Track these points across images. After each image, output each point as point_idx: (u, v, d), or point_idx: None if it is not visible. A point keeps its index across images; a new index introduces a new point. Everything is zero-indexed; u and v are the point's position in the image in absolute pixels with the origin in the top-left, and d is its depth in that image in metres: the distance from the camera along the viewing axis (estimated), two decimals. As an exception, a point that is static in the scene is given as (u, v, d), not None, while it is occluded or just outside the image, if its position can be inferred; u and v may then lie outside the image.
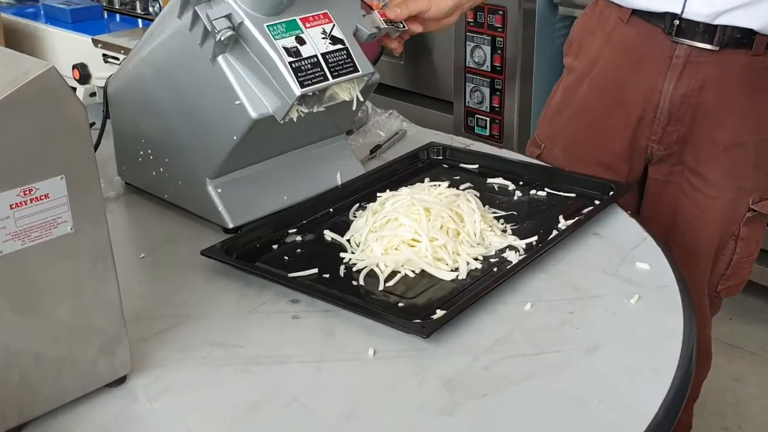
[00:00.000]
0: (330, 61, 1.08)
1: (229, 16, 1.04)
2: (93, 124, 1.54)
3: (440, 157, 1.37)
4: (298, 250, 1.10)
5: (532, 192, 1.24)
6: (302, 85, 1.04)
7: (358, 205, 1.20)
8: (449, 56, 2.42)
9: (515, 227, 1.13)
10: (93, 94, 1.58)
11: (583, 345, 0.89)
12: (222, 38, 1.03)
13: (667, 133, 1.38)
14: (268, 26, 1.05)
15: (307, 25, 1.08)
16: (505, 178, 1.28)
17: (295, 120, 1.08)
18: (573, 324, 0.93)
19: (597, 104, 1.43)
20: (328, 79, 1.07)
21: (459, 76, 2.41)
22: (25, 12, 1.76)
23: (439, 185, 1.14)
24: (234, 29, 1.04)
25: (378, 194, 1.15)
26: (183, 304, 0.99)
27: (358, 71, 1.10)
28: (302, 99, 1.09)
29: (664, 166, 1.42)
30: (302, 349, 0.90)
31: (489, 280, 1.00)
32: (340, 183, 1.25)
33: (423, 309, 0.96)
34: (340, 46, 1.09)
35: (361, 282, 1.01)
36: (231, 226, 1.14)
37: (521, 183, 1.27)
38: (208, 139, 1.12)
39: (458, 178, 1.30)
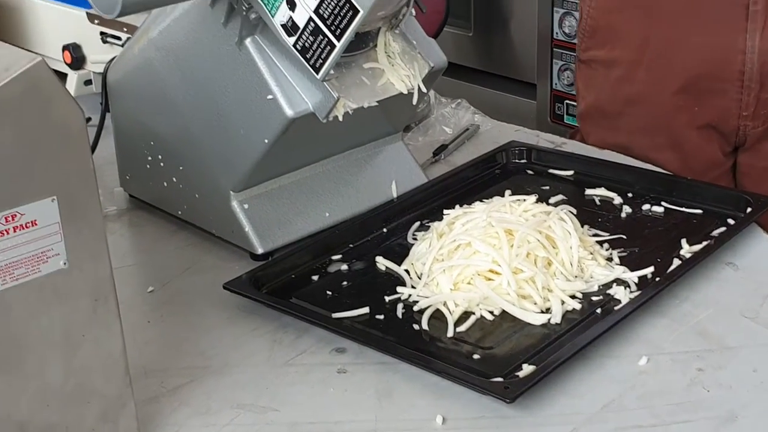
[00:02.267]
0: (326, 15, 0.99)
1: (255, -12, 1.03)
2: (89, 120, 1.55)
3: (523, 161, 1.35)
4: (344, 283, 1.08)
5: (645, 207, 1.21)
6: (316, 69, 1.02)
7: (419, 224, 1.18)
8: (531, 25, 2.39)
9: (624, 254, 1.10)
10: (88, 82, 1.59)
11: (717, 413, 0.86)
12: (252, 17, 1.02)
13: (762, 103, 1.35)
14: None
15: None
16: (609, 189, 1.25)
17: (340, 118, 1.07)
18: (703, 385, 0.89)
19: (662, 96, 1.41)
20: (334, 46, 1.01)
21: (544, 52, 2.37)
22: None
23: (525, 200, 1.12)
24: (265, 5, 1.03)
25: (445, 211, 1.13)
26: (202, 352, 0.99)
27: (358, 12, 0.98)
28: (348, 92, 1.07)
29: (761, 147, 1.39)
30: (352, 414, 0.89)
31: (591, 326, 0.97)
32: (395, 195, 1.23)
33: (505, 363, 0.93)
34: None
35: (425, 326, 0.99)
36: (260, 251, 1.13)
37: (630, 195, 1.23)
38: (232, 143, 1.11)
39: (547, 188, 1.27)
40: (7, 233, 0.72)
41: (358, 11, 0.99)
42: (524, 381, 0.87)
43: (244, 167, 1.12)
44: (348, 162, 1.22)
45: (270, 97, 1.06)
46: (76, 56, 1.57)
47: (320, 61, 1.01)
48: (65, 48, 1.57)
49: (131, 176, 1.28)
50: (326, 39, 1.01)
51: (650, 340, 0.96)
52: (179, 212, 1.22)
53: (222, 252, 1.17)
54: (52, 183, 0.74)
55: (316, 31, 1.00)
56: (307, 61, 1.02)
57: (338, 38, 1.00)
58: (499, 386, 0.87)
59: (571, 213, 1.13)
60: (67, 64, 1.58)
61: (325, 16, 1.00)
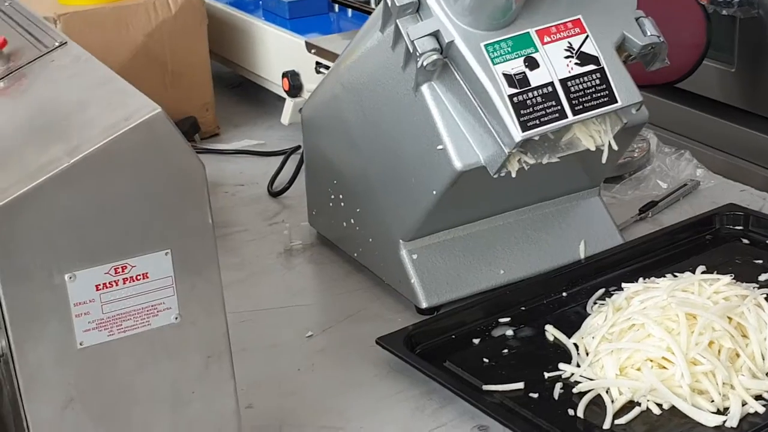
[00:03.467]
0: (573, 89, 0.97)
1: (436, 34, 0.97)
2: (298, 147, 1.56)
3: (739, 227, 1.20)
4: (505, 351, 1.01)
5: None
6: (525, 127, 0.95)
7: (603, 291, 1.08)
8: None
9: (832, 352, 0.95)
10: (303, 110, 1.60)
11: None
12: (425, 63, 0.97)
13: None
14: (486, 45, 0.97)
15: (547, 39, 0.98)
16: (832, 270, 1.09)
17: (513, 174, 0.99)
18: None
19: None
20: (566, 116, 0.97)
21: (811, 93, 2.16)
22: (242, 2, 1.82)
23: (719, 279, 0.99)
24: (442, 52, 0.97)
25: (623, 284, 1.02)
26: (341, 412, 0.95)
27: (617, 102, 0.98)
28: (527, 146, 1.00)
29: None
30: (477, 505, 0.81)
31: (773, 435, 0.84)
32: (583, 257, 1.14)
33: (662, 469, 0.82)
34: (591, 67, 0.98)
35: (581, 413, 0.90)
36: (425, 305, 1.08)
37: None
38: (404, 191, 1.07)
39: (760, 263, 1.13)
40: (116, 284, 0.71)
41: (616, 101, 0.98)
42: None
43: (413, 217, 1.07)
44: (533, 216, 1.14)
45: (440, 147, 1.00)
46: (293, 84, 1.58)
47: (535, 122, 0.96)
48: (284, 75, 1.59)
49: (317, 212, 1.27)
50: (559, 108, 0.97)
51: (840, 464, 0.81)
52: (355, 254, 1.19)
53: (389, 301, 1.13)
54: (166, 236, 0.72)
55: (551, 97, 0.97)
56: (518, 116, 0.95)
57: (575, 113, 0.98)
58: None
59: (776, 297, 0.99)
60: (285, 90, 1.60)
61: (572, 90, 0.97)
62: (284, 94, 1.62)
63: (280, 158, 1.50)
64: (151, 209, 0.71)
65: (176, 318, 0.74)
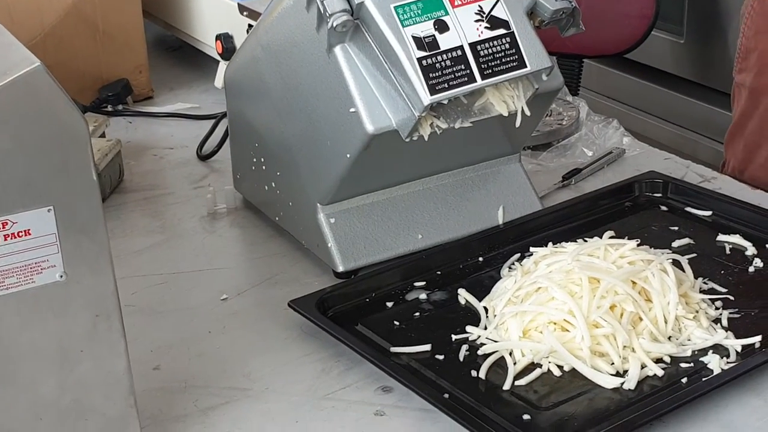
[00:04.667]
0: (483, 53, 0.97)
1: (347, -6, 0.96)
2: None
3: (658, 195, 1.20)
4: (417, 314, 1.00)
5: (780, 262, 1.05)
6: (434, 91, 0.95)
7: (519, 255, 1.08)
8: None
9: (736, 316, 0.95)
10: (238, 74, 1.58)
11: None
12: (335, 24, 0.96)
13: None
14: (396, 7, 0.96)
15: (458, 2, 0.98)
16: (746, 237, 1.09)
17: (426, 139, 0.98)
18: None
19: None
20: (475, 80, 0.96)
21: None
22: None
23: (625, 244, 0.99)
24: (352, 13, 0.96)
25: (532, 249, 1.02)
26: (247, 374, 0.94)
27: (526, 67, 0.98)
28: (439, 110, 0.99)
29: None
30: (371, 465, 0.81)
31: (668, 397, 0.84)
32: (501, 222, 1.13)
33: (558, 428, 0.82)
34: (501, 31, 0.98)
35: (483, 374, 0.90)
36: (341, 269, 1.07)
37: (768, 246, 1.08)
38: (320, 154, 1.06)
39: (676, 228, 1.13)
40: (-3, 241, 0.70)
41: (525, 66, 0.98)
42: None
43: (330, 180, 1.06)
44: (452, 182, 1.13)
45: (353, 110, 0.99)
46: (226, 46, 1.56)
47: (444, 86, 0.95)
48: (218, 38, 1.57)
49: (241, 176, 1.25)
50: (468, 71, 0.96)
51: (731, 422, 0.82)
52: (276, 218, 1.18)
53: (308, 265, 1.12)
54: (49, 193, 0.71)
55: (461, 60, 0.96)
56: (427, 79, 0.95)
57: (484, 78, 0.97)
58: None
59: (683, 262, 0.99)
60: (218, 53, 1.58)
61: (481, 54, 0.97)
62: (219, 58, 1.60)
63: (212, 122, 1.49)
64: (32, 165, 0.69)
65: (61, 276, 0.73)
